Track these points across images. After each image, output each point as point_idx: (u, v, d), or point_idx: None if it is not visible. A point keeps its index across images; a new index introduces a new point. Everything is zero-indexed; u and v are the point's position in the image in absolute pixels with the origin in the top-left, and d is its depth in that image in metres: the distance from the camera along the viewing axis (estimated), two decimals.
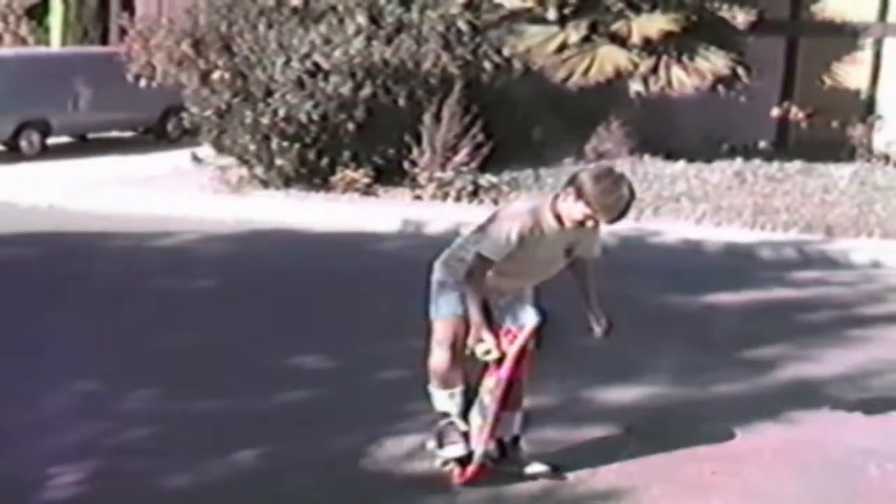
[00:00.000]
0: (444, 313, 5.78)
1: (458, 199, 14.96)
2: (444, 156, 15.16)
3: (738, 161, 16.47)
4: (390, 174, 15.81)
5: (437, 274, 5.87)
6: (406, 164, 15.43)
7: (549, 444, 6.36)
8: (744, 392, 7.52)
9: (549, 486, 5.85)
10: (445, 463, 5.88)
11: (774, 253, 12.27)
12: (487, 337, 5.62)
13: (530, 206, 5.76)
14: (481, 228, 5.79)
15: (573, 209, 5.51)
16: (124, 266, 11.30)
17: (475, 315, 5.63)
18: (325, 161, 15.86)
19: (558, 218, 5.58)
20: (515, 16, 16.75)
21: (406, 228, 13.05)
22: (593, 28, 16.58)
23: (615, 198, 5.51)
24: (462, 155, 15.11)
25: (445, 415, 5.88)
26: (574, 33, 16.53)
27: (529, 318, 5.71)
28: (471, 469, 5.81)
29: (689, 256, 12.29)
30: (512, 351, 5.66)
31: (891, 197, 14.33)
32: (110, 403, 7.12)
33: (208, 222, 13.83)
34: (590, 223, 5.57)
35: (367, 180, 15.68)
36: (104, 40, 25.10)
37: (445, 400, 5.88)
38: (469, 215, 13.88)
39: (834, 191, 14.85)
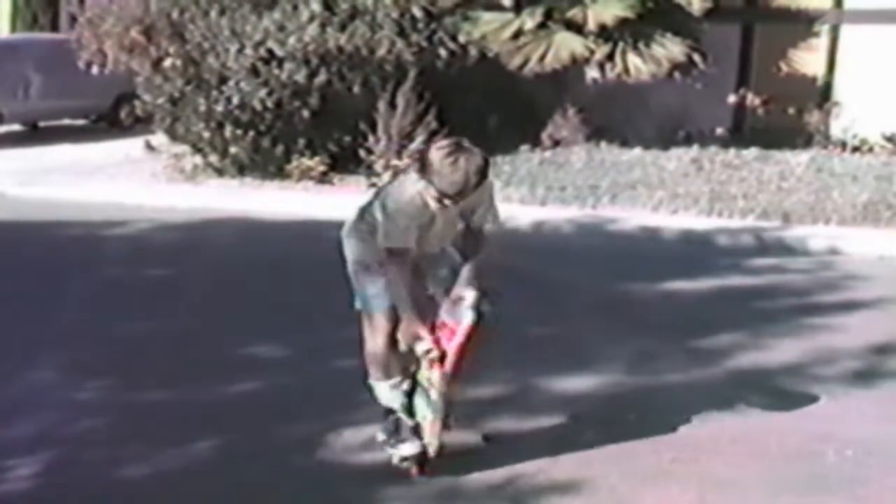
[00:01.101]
0: (377, 306, 5.69)
1: None
2: (399, 143, 15.09)
3: (695, 148, 16.50)
4: (346, 162, 15.74)
5: (349, 248, 5.81)
6: (361, 152, 15.35)
7: (505, 433, 6.33)
8: (701, 380, 7.50)
9: (510, 476, 5.80)
10: (403, 460, 5.80)
11: (731, 240, 12.26)
12: (424, 335, 5.53)
13: (417, 187, 5.46)
14: (377, 194, 5.74)
15: (426, 188, 5.35)
16: (77, 254, 11.20)
17: (405, 311, 5.53)
18: (279, 149, 15.77)
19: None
20: (470, 2, 16.72)
21: None
22: (549, 15, 16.56)
23: (452, 169, 5.22)
24: (417, 142, 15.02)
25: (390, 411, 5.82)
26: (529, 20, 16.50)
27: (465, 315, 5.54)
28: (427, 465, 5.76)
29: (645, 243, 12.27)
30: (452, 348, 5.55)
31: (847, 184, 14.37)
32: (64, 393, 7.04)
33: (162, 211, 13.73)
34: (446, 201, 5.33)
35: (322, 168, 15.61)
36: (54, 27, 24.91)
37: (387, 392, 5.82)
38: None
39: (791, 177, 14.88)
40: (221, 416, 6.64)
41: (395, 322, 5.65)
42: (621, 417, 6.71)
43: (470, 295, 5.56)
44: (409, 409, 5.80)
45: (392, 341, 5.70)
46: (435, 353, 5.55)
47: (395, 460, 5.83)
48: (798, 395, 7.16)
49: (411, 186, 5.50)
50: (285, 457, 6.04)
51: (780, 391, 7.26)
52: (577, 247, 12.23)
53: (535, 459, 5.97)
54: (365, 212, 5.78)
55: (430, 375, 5.66)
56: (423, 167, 5.33)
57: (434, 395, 5.66)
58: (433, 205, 5.41)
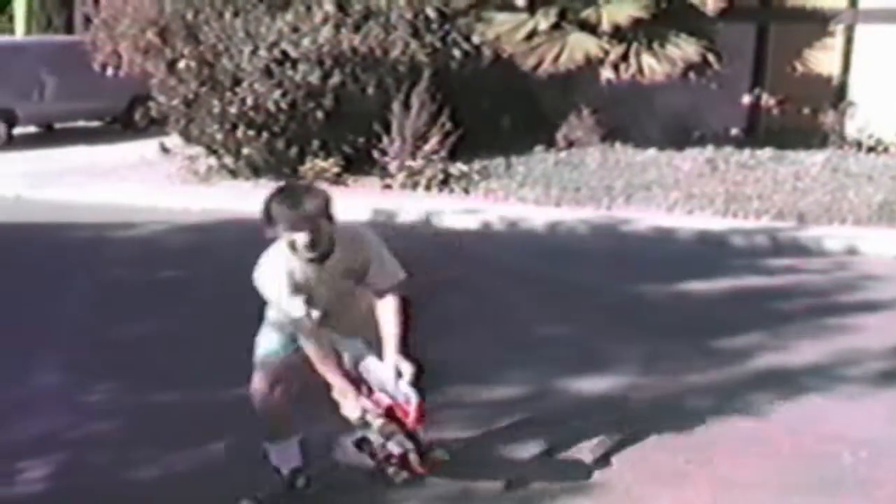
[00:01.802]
0: (269, 354, 5.53)
1: (428, 188, 14.89)
2: (413, 144, 15.08)
3: (710, 148, 16.43)
4: (360, 163, 15.73)
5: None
6: (376, 153, 15.34)
7: (517, 434, 6.31)
8: (716, 380, 7.47)
9: (521, 477, 5.78)
10: (396, 473, 5.62)
11: (746, 240, 12.23)
12: (369, 406, 5.28)
13: (274, 257, 5.29)
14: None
15: (287, 242, 5.14)
16: (91, 256, 11.22)
17: (338, 383, 5.30)
18: (293, 150, 15.76)
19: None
20: (484, 3, 16.66)
21: (377, 218, 12.94)
22: (563, 15, 16.51)
23: (279, 208, 5.12)
24: (432, 143, 15.04)
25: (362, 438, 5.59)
26: (543, 20, 16.45)
27: (412, 394, 5.23)
28: (424, 462, 5.52)
29: (660, 244, 12.25)
30: (411, 422, 5.31)
31: (863, 184, 14.32)
32: (74, 395, 7.05)
33: (176, 212, 13.76)
34: (298, 240, 5.08)
35: (336, 169, 15.58)
36: (69, 29, 24.96)
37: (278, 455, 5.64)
38: (439, 204, 13.91)
39: (806, 178, 14.82)
40: (230, 418, 6.58)
41: (283, 372, 5.46)
42: (636, 418, 6.69)
43: (407, 370, 5.25)
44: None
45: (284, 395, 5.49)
46: (391, 427, 5.33)
47: (398, 482, 5.64)
48: (813, 396, 7.15)
49: (275, 254, 5.31)
50: None
51: (795, 392, 7.22)
52: (592, 248, 12.21)
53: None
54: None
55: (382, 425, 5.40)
56: (269, 220, 5.17)
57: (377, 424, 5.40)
58: (302, 265, 5.19)
